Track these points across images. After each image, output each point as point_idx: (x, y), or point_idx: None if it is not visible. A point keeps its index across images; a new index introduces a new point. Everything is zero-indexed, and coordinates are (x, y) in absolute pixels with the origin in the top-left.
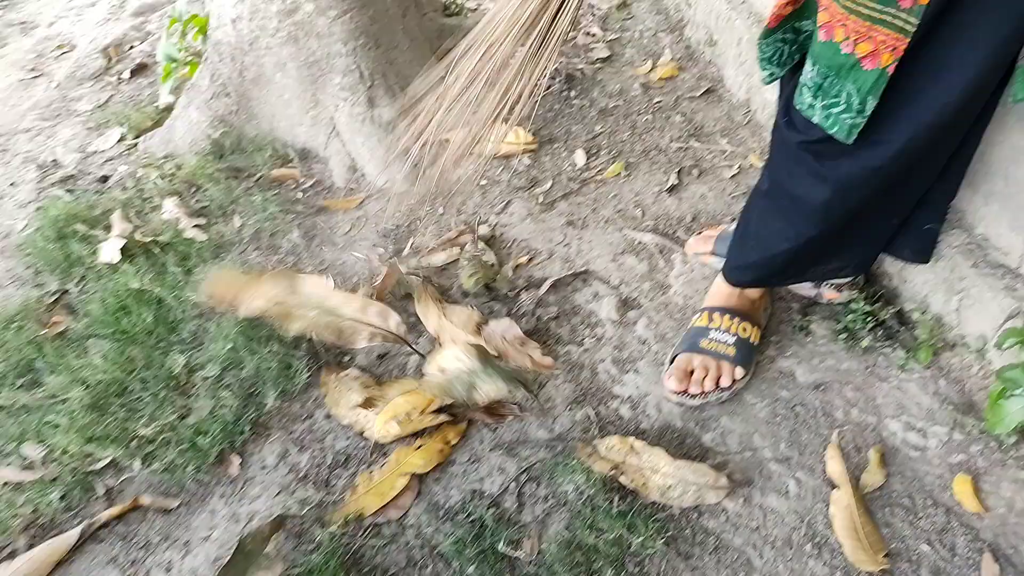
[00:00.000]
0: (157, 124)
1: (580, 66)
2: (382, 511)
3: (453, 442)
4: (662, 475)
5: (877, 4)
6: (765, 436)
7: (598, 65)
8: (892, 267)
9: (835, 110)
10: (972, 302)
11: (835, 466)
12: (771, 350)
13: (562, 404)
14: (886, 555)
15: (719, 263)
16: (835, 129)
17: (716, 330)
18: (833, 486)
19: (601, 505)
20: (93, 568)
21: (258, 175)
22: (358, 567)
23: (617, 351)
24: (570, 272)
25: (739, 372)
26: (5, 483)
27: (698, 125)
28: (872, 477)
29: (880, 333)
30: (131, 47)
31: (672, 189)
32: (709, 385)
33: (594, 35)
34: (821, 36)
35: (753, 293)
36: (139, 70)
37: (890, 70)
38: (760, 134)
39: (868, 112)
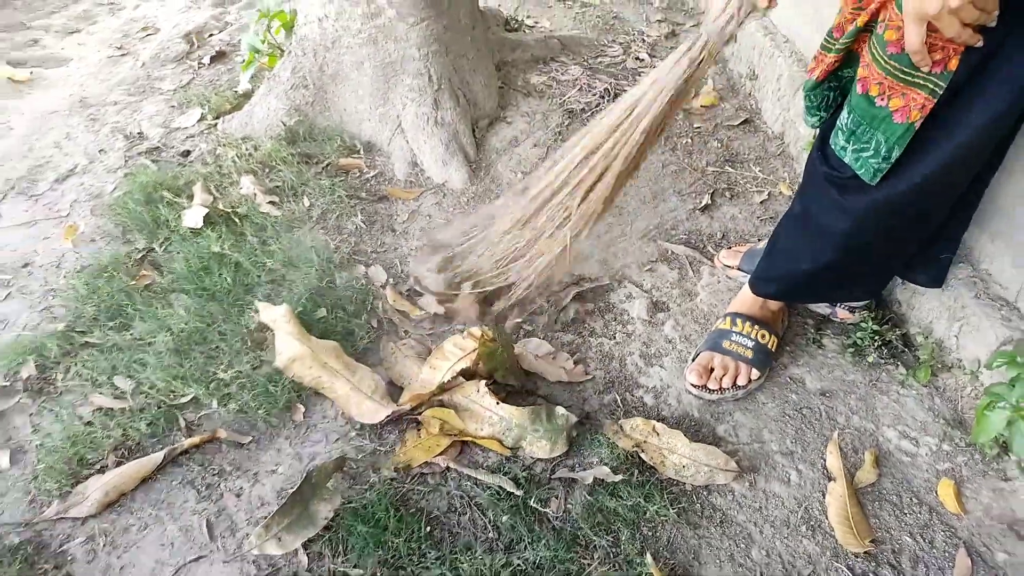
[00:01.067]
0: (236, 108)
1: (627, 88)
2: (427, 464)
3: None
4: (678, 455)
5: (911, 69)
6: (773, 432)
7: None
8: (902, 294)
9: (864, 154)
10: (971, 329)
11: (833, 461)
12: (785, 358)
13: (592, 389)
14: (872, 541)
15: (744, 277)
16: (862, 171)
17: (738, 334)
18: (830, 479)
19: (622, 476)
20: (173, 487)
21: (327, 162)
22: (405, 507)
23: (645, 347)
24: (607, 275)
25: (755, 374)
26: (98, 408)
27: (734, 152)
28: (866, 475)
29: (885, 351)
30: (211, 35)
31: (705, 208)
32: (727, 383)
33: (642, 60)
34: (858, 89)
35: (774, 305)
36: (218, 57)
37: (917, 125)
38: (791, 165)
39: (893, 159)
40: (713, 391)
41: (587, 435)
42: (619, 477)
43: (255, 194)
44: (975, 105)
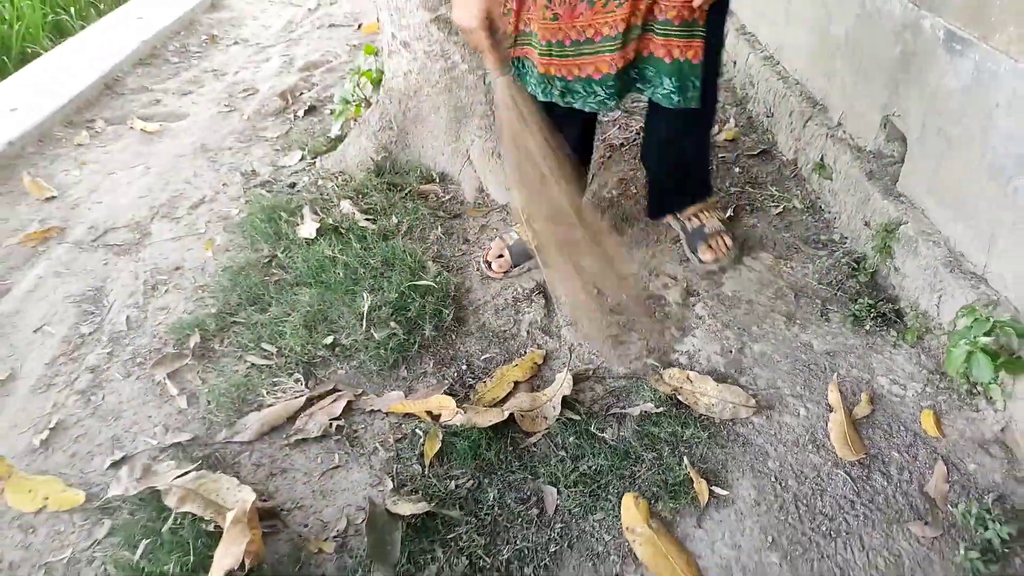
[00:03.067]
0: (330, 149)
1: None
2: (499, 403)
3: (539, 363)
4: (708, 396)
5: None
6: (785, 381)
7: None
8: (895, 277)
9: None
10: (948, 298)
11: (834, 396)
12: (796, 328)
13: (636, 353)
14: (865, 455)
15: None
16: None
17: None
18: (831, 410)
19: (663, 410)
20: (311, 422)
21: (409, 189)
22: (494, 431)
23: (679, 323)
24: (647, 270)
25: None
26: (252, 365)
27: (753, 176)
28: (861, 410)
29: (880, 321)
30: (301, 93)
31: (729, 219)
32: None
33: None
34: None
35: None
36: (309, 111)
37: None
38: (804, 186)
39: None
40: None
41: (635, 386)
42: (661, 409)
43: (353, 213)
44: None
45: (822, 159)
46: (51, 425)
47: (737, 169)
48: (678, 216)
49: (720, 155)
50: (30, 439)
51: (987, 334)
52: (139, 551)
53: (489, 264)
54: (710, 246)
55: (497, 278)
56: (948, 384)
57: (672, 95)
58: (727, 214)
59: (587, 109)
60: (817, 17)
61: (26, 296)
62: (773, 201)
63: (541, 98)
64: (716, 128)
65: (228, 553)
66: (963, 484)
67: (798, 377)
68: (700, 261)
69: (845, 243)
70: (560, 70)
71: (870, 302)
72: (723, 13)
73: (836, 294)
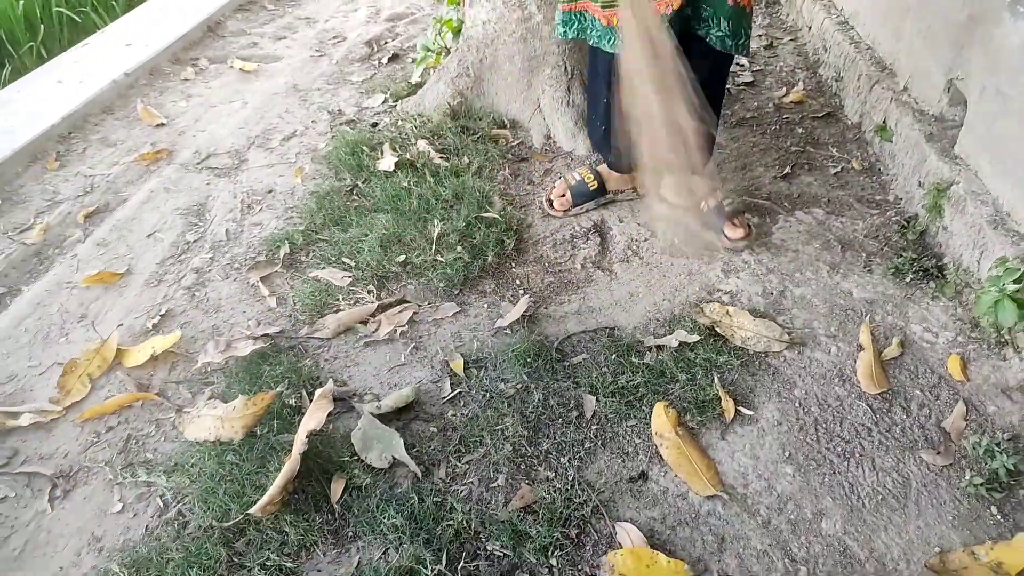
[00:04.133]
0: (410, 93)
1: (727, 86)
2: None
3: None
4: (744, 330)
5: None
6: (821, 323)
7: (742, 87)
8: (942, 236)
9: None
10: (989, 254)
11: (865, 336)
12: (837, 277)
13: (682, 291)
14: (888, 391)
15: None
16: None
17: None
18: (861, 349)
19: (700, 338)
20: (382, 326)
21: (481, 133)
22: (541, 345)
23: (726, 265)
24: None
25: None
26: (331, 283)
27: (815, 137)
28: (891, 352)
29: (921, 275)
30: (386, 42)
31: (785, 176)
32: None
33: (742, 65)
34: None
35: None
36: (393, 59)
37: None
38: (865, 148)
39: None
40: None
41: (677, 319)
42: (697, 338)
43: (428, 152)
44: None
45: (884, 122)
46: (161, 313)
47: (800, 130)
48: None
49: (784, 116)
50: (144, 322)
51: (1016, 281)
52: (230, 404)
53: (551, 202)
54: (734, 223)
55: (558, 216)
56: (980, 335)
57: (726, 39)
58: (784, 170)
59: None
60: None
61: (140, 206)
62: (832, 161)
63: (608, 49)
64: (783, 90)
65: (313, 418)
66: (980, 423)
67: (834, 319)
68: (728, 239)
69: (899, 204)
70: (618, 18)
71: (913, 256)
72: None
73: (882, 249)
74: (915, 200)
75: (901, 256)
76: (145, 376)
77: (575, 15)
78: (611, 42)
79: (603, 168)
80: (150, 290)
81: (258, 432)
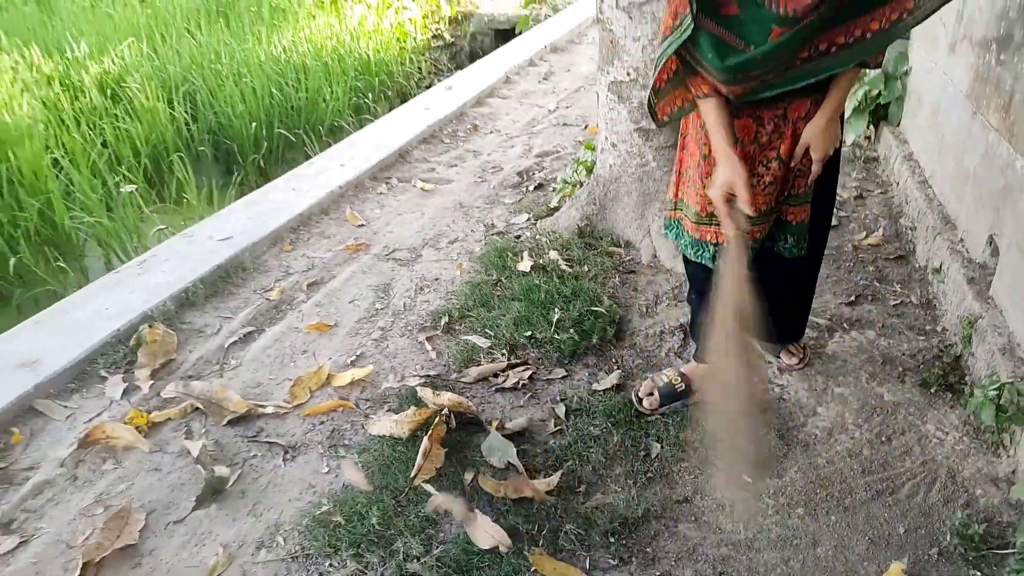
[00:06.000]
0: (548, 215)
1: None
2: None
3: None
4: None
5: None
6: (851, 414)
7: None
8: (970, 361)
9: None
10: (998, 375)
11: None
12: (874, 383)
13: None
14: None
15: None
16: None
17: None
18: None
19: None
20: (509, 379)
21: (600, 249)
22: (620, 405)
23: (780, 364)
24: None
25: None
26: (476, 345)
27: (884, 275)
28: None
29: (944, 388)
30: (534, 174)
31: (850, 303)
32: None
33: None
34: None
35: None
36: (538, 187)
37: None
38: (926, 287)
39: None
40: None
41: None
42: None
43: (557, 260)
44: None
45: (940, 265)
46: (357, 354)
47: (871, 267)
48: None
49: (860, 255)
50: (345, 359)
51: (996, 390)
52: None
53: (640, 400)
54: (791, 351)
55: (646, 414)
56: (980, 437)
57: (793, 248)
58: (850, 298)
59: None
60: (958, 151)
61: (345, 282)
62: (894, 296)
63: (693, 258)
64: (863, 234)
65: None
66: (967, 502)
67: (862, 413)
68: (784, 363)
69: (943, 334)
70: (714, 236)
71: (940, 373)
72: (834, 183)
73: (918, 367)
74: (956, 332)
75: (930, 372)
76: (345, 392)
77: (674, 222)
78: (696, 252)
79: (688, 368)
80: (350, 338)
81: (419, 434)
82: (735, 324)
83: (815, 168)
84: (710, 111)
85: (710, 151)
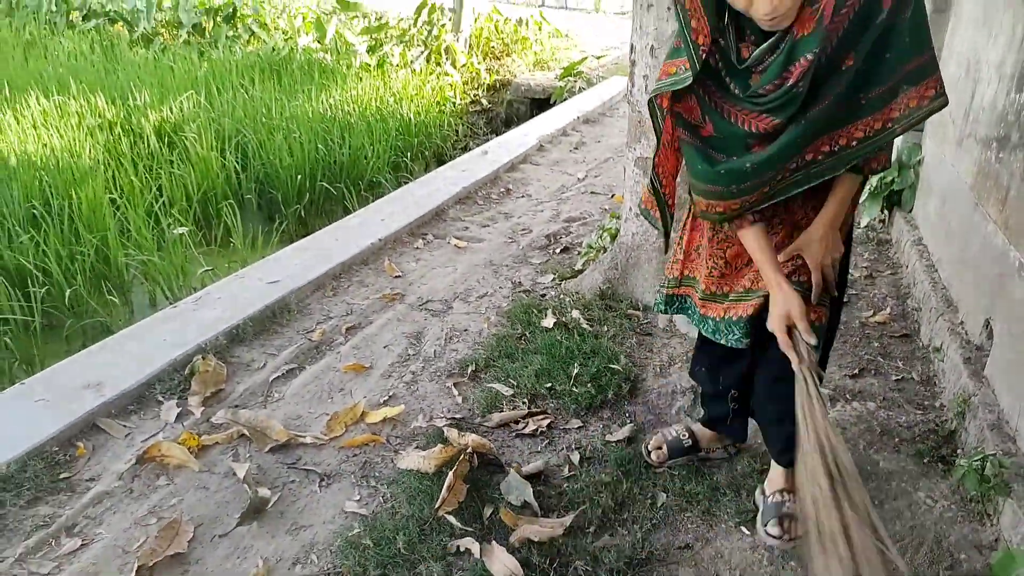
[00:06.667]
0: (572, 276)
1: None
2: None
3: None
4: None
5: None
6: None
7: None
8: (963, 436)
9: None
10: (986, 449)
11: None
12: (871, 451)
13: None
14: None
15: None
16: None
17: (789, 502)
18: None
19: (757, 473)
20: (529, 425)
21: (620, 311)
22: (631, 457)
23: None
24: None
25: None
26: (499, 393)
27: (888, 351)
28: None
29: (937, 459)
30: (561, 237)
31: (853, 376)
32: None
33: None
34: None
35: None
36: (564, 250)
37: None
38: (928, 365)
39: None
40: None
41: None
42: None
43: (579, 319)
44: None
45: (941, 345)
46: (389, 395)
47: (876, 344)
48: (765, 489)
49: (866, 331)
50: (379, 398)
51: (980, 461)
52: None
53: (650, 453)
54: (781, 524)
55: (655, 466)
56: (970, 507)
57: None
58: (854, 371)
59: (723, 343)
60: (962, 239)
61: (380, 328)
62: (896, 371)
63: (703, 333)
64: (871, 311)
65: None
66: (951, 565)
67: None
68: (767, 534)
69: (941, 410)
70: (715, 312)
71: (934, 445)
72: (842, 294)
73: (914, 439)
74: (952, 408)
75: (925, 444)
76: (377, 428)
77: (677, 298)
78: (706, 328)
79: (697, 427)
80: (383, 380)
81: (444, 470)
82: (825, 473)
83: (814, 276)
84: (751, 239)
85: (715, 232)
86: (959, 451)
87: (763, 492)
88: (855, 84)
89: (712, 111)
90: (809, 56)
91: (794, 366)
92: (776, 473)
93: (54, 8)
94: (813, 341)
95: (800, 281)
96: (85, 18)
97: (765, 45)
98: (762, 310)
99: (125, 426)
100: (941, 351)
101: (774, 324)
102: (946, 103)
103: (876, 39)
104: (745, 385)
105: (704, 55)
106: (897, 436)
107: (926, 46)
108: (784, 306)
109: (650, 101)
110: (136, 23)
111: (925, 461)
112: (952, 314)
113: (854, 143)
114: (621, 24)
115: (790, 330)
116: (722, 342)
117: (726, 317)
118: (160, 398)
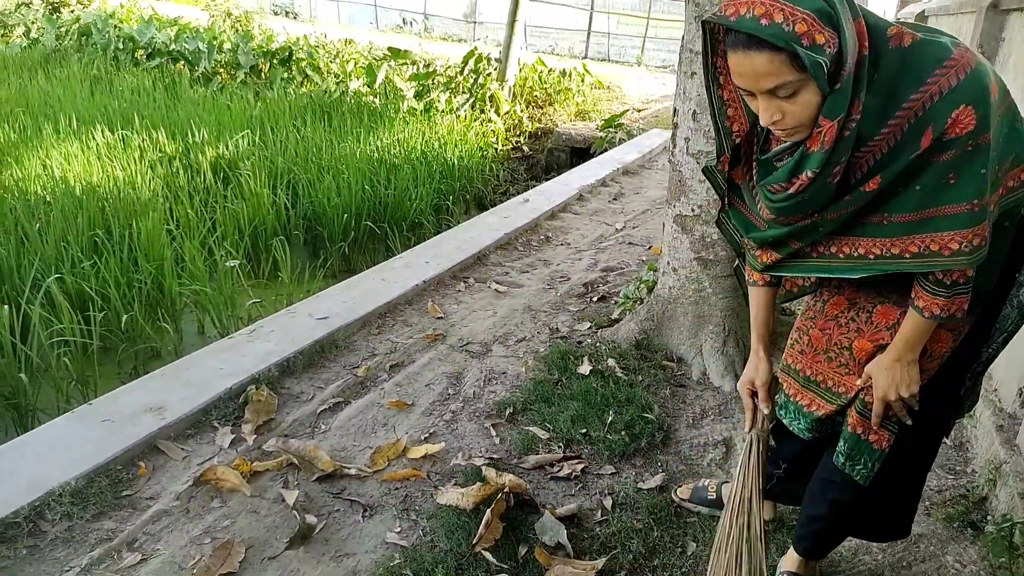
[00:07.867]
0: (609, 325)
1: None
2: None
3: None
4: None
5: None
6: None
7: None
8: (994, 502)
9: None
10: (1017, 516)
11: None
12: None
13: None
14: None
15: (692, 506)
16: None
17: None
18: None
19: (778, 527)
20: (564, 469)
21: (655, 361)
22: (660, 501)
23: None
24: None
25: None
26: (536, 435)
27: None
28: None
29: (967, 524)
30: (598, 286)
31: None
32: None
33: None
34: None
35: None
36: (601, 299)
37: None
38: (962, 432)
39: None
40: None
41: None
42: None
43: (615, 367)
44: None
45: (975, 412)
46: (430, 432)
47: None
48: (779, 565)
49: None
50: (420, 435)
51: (1008, 528)
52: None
53: (676, 494)
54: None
55: (677, 502)
56: (998, 574)
57: (840, 455)
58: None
59: (786, 423)
60: None
61: (422, 367)
62: None
63: (784, 420)
64: None
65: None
66: None
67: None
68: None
69: (973, 475)
70: (790, 389)
71: (963, 510)
72: (937, 435)
73: (944, 503)
74: (983, 474)
75: (955, 508)
76: (418, 464)
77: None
78: (779, 397)
79: (725, 488)
80: (424, 417)
81: (481, 507)
82: (737, 536)
83: (875, 407)
84: (752, 301)
85: (808, 307)
86: (988, 517)
87: (778, 567)
88: (877, 204)
89: (747, 187)
90: (810, 173)
91: (746, 429)
92: (791, 554)
93: (120, 46)
94: (767, 411)
95: (864, 400)
96: (149, 56)
97: (787, 144)
98: (836, 415)
99: (183, 449)
100: (974, 417)
101: (740, 383)
102: (968, 264)
103: (904, 170)
104: (797, 465)
105: (737, 140)
106: (928, 500)
107: (968, 196)
108: (751, 372)
109: (708, 168)
110: (197, 63)
111: (955, 525)
112: (986, 382)
113: (870, 256)
114: (662, 78)
115: (755, 394)
116: (785, 422)
117: (798, 403)
118: (216, 424)
